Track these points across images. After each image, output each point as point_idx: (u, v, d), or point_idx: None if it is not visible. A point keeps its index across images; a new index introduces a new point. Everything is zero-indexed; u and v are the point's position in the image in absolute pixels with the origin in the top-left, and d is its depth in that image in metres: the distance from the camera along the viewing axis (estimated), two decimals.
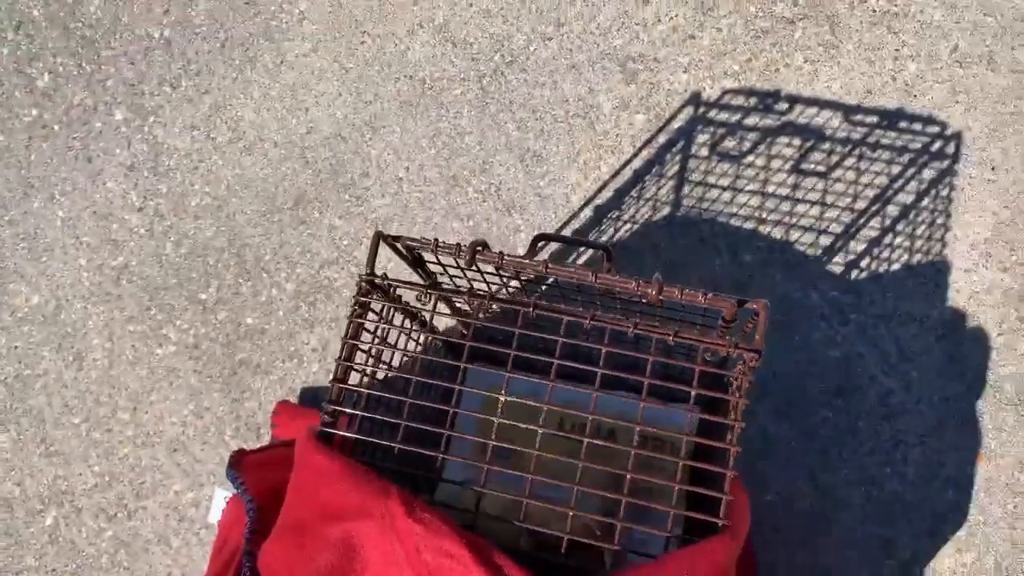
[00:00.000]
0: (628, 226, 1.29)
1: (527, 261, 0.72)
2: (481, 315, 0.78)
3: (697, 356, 0.73)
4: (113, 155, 1.41)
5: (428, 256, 0.80)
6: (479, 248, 0.72)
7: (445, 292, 0.81)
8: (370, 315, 0.79)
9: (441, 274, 0.89)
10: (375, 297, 0.80)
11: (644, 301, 0.72)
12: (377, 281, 0.77)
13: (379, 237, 0.76)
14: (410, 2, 1.41)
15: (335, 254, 1.33)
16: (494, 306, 0.77)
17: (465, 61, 1.38)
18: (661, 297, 0.69)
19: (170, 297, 1.34)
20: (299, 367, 1.30)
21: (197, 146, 1.39)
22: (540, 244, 0.80)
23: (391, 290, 0.80)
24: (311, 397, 1.28)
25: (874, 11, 1.31)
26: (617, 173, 1.30)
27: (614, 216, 1.29)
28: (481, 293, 0.79)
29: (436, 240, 0.73)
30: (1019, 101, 1.26)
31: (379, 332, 0.82)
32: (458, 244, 0.73)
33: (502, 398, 0.73)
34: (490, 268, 0.78)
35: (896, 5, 1.31)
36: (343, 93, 1.39)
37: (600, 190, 1.30)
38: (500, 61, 1.37)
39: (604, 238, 1.29)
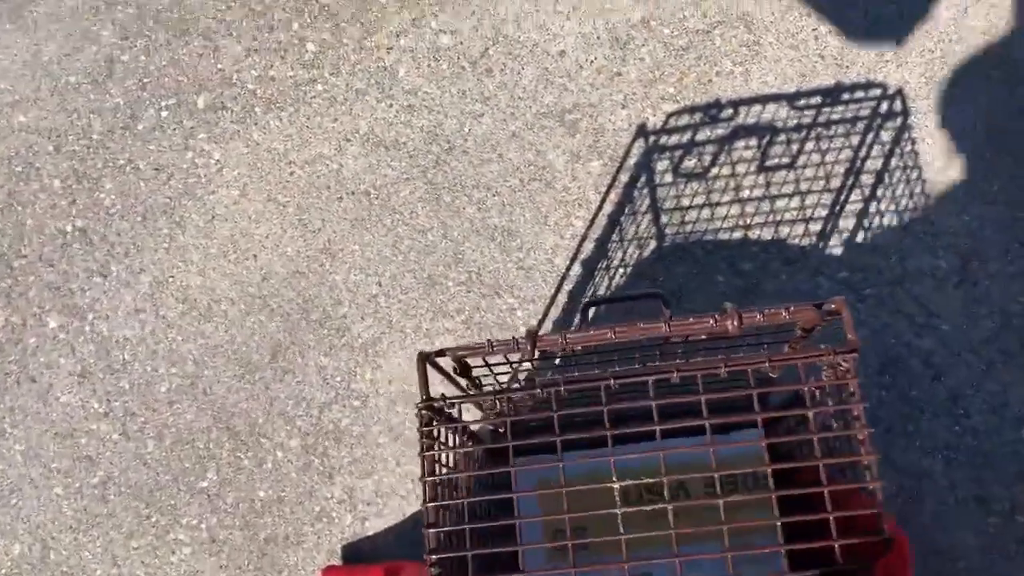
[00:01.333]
0: (621, 271, 1.52)
1: (591, 333, 0.86)
2: (553, 404, 0.90)
3: (747, 380, 0.89)
4: (58, 367, 1.56)
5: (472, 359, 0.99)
6: (536, 336, 0.85)
7: (515, 391, 0.94)
8: (435, 438, 0.96)
9: (486, 375, 1.05)
10: (436, 424, 0.94)
11: (704, 337, 0.88)
12: (437, 405, 0.92)
13: (424, 359, 0.91)
14: (328, 120, 1.65)
15: (332, 394, 1.50)
16: (560, 390, 0.90)
17: (403, 161, 1.62)
18: (742, 325, 0.79)
19: (167, 496, 1.48)
20: (330, 525, 1.44)
21: (149, 329, 1.56)
22: (591, 310, 0.96)
23: (456, 408, 0.95)
24: (355, 553, 1.42)
25: (780, 1, 1.63)
26: (592, 223, 1.54)
27: (604, 266, 1.52)
28: (552, 380, 0.91)
29: (490, 342, 0.88)
30: (941, 43, 1.58)
31: (449, 459, 0.96)
32: (514, 338, 0.87)
33: (561, 489, 0.85)
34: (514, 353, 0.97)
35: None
36: (287, 229, 1.60)
37: (581, 244, 1.54)
38: (439, 150, 1.61)
39: (600, 291, 1.51)
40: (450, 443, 0.98)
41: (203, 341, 1.55)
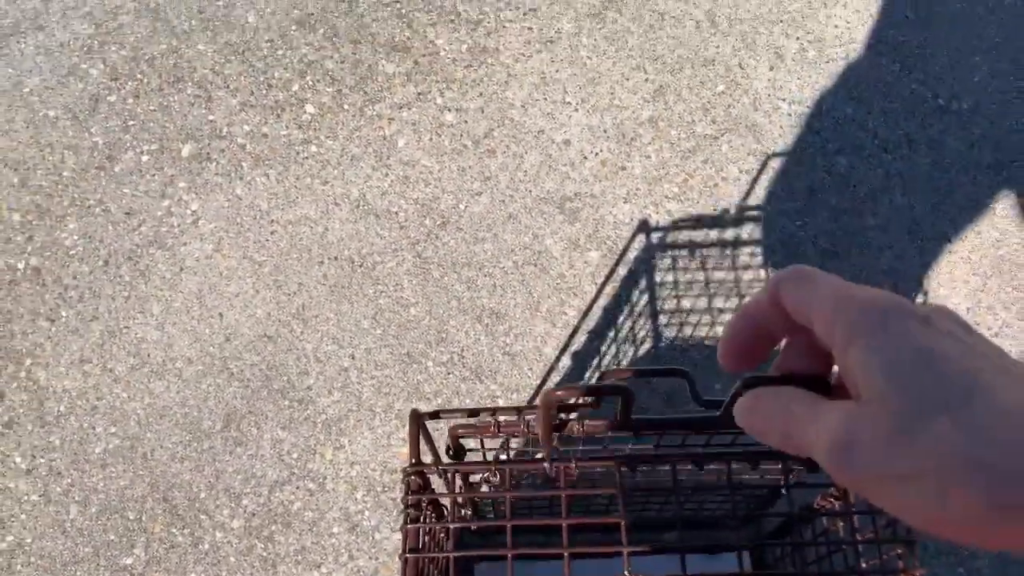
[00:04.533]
0: (613, 367, 1.46)
1: (659, 417, 0.78)
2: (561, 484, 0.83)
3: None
4: None
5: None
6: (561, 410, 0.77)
7: (518, 464, 0.85)
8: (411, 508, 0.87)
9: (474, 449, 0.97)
10: (425, 496, 0.86)
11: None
12: (426, 472, 0.84)
13: (418, 418, 0.83)
14: (318, 183, 1.62)
15: (285, 473, 1.39)
16: (572, 466, 0.83)
17: (393, 232, 1.58)
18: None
19: (84, 572, 1.33)
20: None
21: (92, 382, 1.45)
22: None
23: (450, 476, 0.87)
24: None
25: (789, 115, 1.67)
26: (586, 314, 1.50)
27: (595, 361, 1.47)
28: (562, 458, 0.84)
29: (495, 413, 0.80)
30: (944, 174, 1.62)
31: (434, 534, 0.88)
32: (520, 408, 0.81)
33: None
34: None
35: (807, 107, 1.67)
36: (260, 289, 1.53)
37: (573, 335, 1.48)
38: (432, 224, 1.58)
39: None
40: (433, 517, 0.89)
41: (151, 400, 1.44)
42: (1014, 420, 0.25)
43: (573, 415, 0.74)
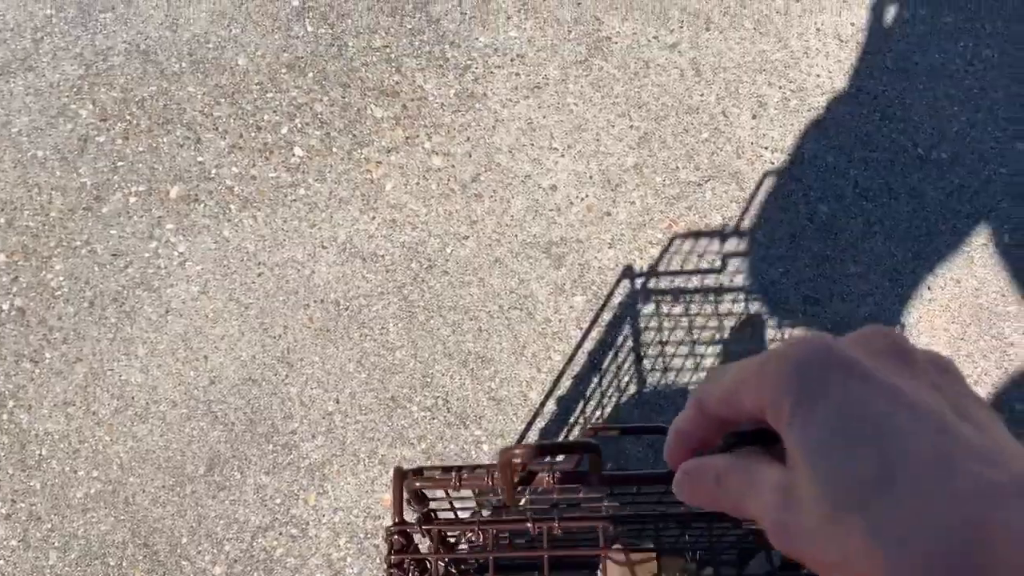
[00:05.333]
0: (598, 412, 1.48)
1: (630, 472, 0.79)
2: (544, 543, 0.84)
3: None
4: None
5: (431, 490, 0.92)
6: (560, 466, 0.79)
7: (501, 523, 0.86)
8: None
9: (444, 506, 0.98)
10: (408, 555, 0.86)
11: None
12: (410, 531, 0.84)
13: (401, 476, 0.83)
14: (306, 226, 1.64)
15: (268, 518, 1.39)
16: (555, 527, 0.84)
17: (379, 275, 1.59)
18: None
19: None
20: None
21: (75, 424, 1.46)
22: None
23: (437, 535, 0.88)
24: None
25: (771, 163, 1.70)
26: (571, 359, 1.52)
27: (580, 407, 1.48)
28: (544, 517, 0.84)
29: (491, 469, 0.81)
30: (924, 222, 1.65)
31: None
32: (491, 467, 0.82)
33: None
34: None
35: (789, 155, 1.71)
36: (246, 332, 1.54)
37: (558, 380, 1.50)
38: (418, 268, 1.60)
39: (575, 432, 1.47)
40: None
41: (134, 444, 1.44)
42: (925, 515, 0.24)
43: (542, 471, 0.75)
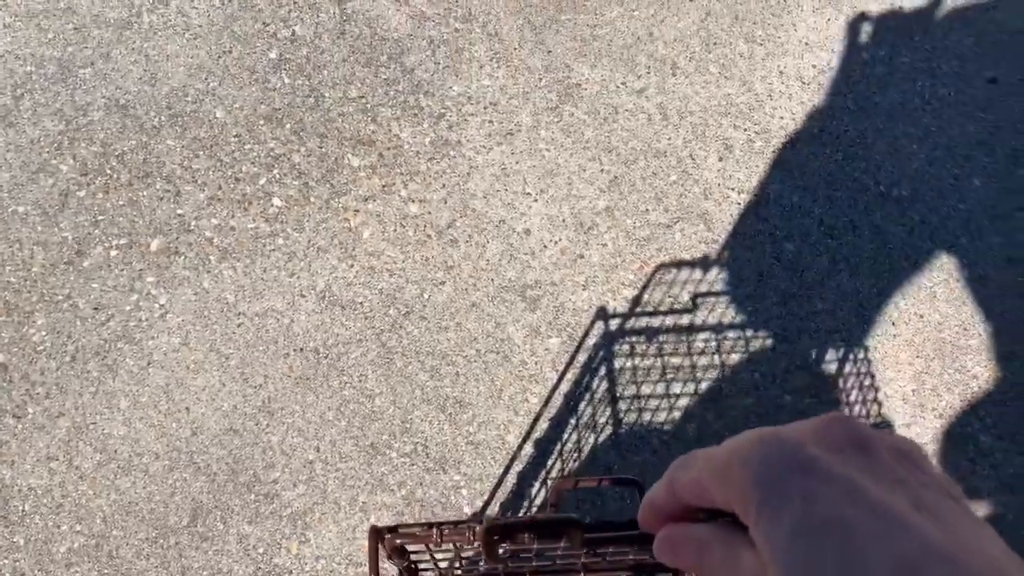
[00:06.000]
0: (575, 455, 1.51)
1: (609, 535, 0.82)
2: None
3: None
4: None
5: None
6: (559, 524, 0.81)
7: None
8: None
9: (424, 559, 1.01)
10: None
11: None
12: None
13: (377, 535, 0.87)
14: (285, 275, 1.67)
15: (251, 568, 1.41)
16: None
17: (358, 322, 1.63)
18: None
19: None
20: None
21: (58, 479, 1.48)
22: (565, 491, 0.95)
23: None
24: None
25: (738, 204, 1.76)
26: (548, 401, 1.55)
27: (558, 449, 1.52)
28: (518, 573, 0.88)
29: (473, 527, 0.85)
30: (887, 258, 1.71)
31: None
32: (471, 525, 0.86)
33: None
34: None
35: (755, 196, 1.77)
36: (227, 383, 1.57)
37: (535, 423, 1.54)
38: (396, 314, 1.63)
39: (553, 473, 1.50)
40: None
41: (117, 497, 1.47)
42: None
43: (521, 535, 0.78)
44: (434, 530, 0.84)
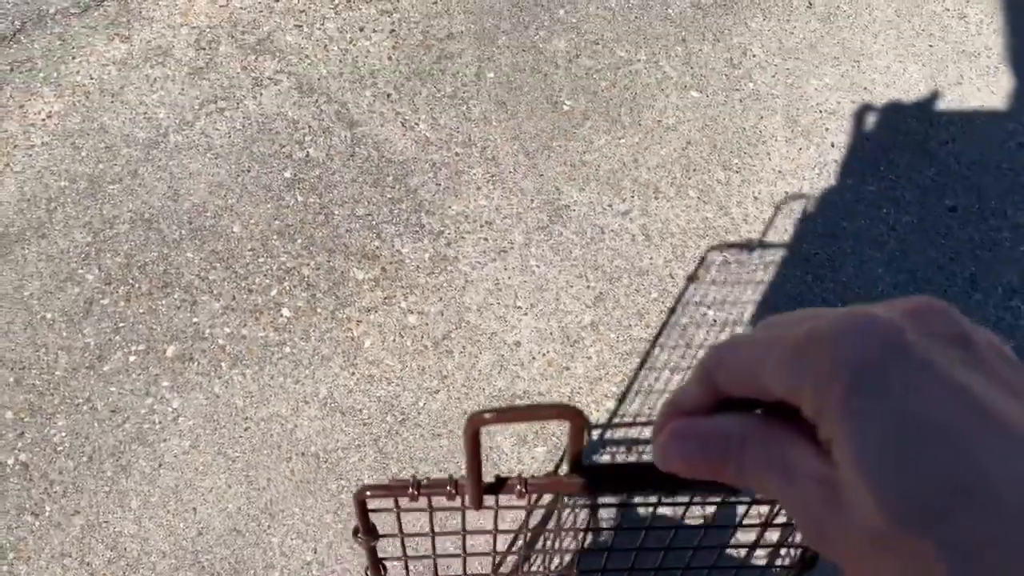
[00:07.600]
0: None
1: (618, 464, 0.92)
2: None
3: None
4: None
5: None
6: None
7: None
8: None
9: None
10: None
11: None
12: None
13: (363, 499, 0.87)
14: (291, 382, 1.80)
15: None
16: None
17: (357, 428, 1.75)
18: None
19: None
20: None
21: (71, 575, 1.58)
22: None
23: None
24: None
25: (714, 322, 1.90)
26: (531, 511, 1.66)
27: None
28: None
29: (453, 480, 0.94)
30: None
31: None
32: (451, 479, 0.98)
33: None
34: None
35: (729, 314, 1.91)
36: (232, 485, 1.68)
37: (519, 532, 1.64)
38: (393, 421, 1.76)
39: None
40: None
41: None
42: (1006, 533, 0.21)
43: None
44: (410, 490, 0.67)
